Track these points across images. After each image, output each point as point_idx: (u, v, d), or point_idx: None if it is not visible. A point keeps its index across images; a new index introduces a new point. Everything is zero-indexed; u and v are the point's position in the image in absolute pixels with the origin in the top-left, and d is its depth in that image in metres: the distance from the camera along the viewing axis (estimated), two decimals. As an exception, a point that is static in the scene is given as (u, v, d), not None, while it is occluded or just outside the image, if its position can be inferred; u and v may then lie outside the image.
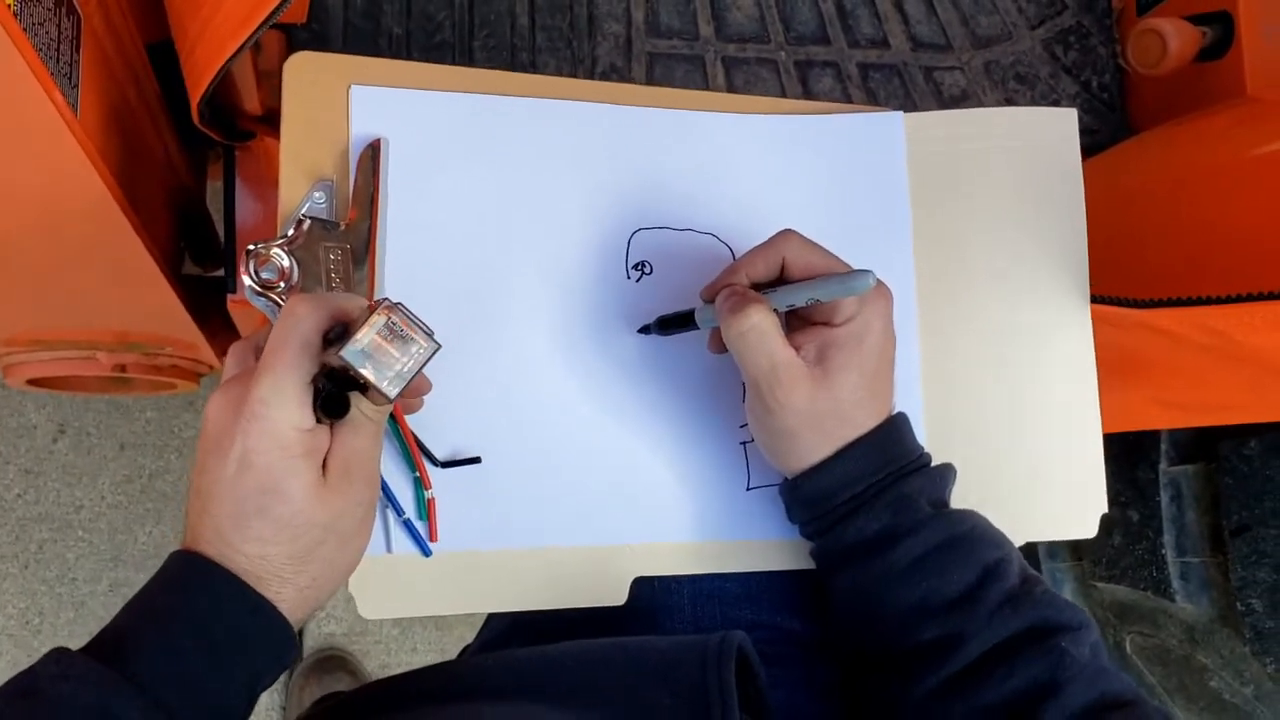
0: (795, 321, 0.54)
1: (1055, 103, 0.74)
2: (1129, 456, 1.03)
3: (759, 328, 0.50)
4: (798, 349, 0.51)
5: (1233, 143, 0.63)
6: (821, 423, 0.51)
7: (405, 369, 0.43)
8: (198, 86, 0.51)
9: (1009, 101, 0.73)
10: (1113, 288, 0.64)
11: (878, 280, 0.50)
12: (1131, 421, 0.81)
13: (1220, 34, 0.68)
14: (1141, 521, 1.02)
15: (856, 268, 0.51)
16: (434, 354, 0.44)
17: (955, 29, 0.74)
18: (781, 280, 0.52)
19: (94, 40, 0.54)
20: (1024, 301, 0.65)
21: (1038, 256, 0.65)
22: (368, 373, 0.43)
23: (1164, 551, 1.00)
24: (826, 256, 0.52)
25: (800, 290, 0.50)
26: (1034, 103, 0.74)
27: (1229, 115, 0.66)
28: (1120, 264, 0.66)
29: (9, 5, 0.41)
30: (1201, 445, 1.00)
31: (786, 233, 0.52)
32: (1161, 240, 0.66)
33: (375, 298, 0.54)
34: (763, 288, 0.52)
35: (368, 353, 0.43)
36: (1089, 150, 0.67)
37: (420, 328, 0.44)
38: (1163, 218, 0.66)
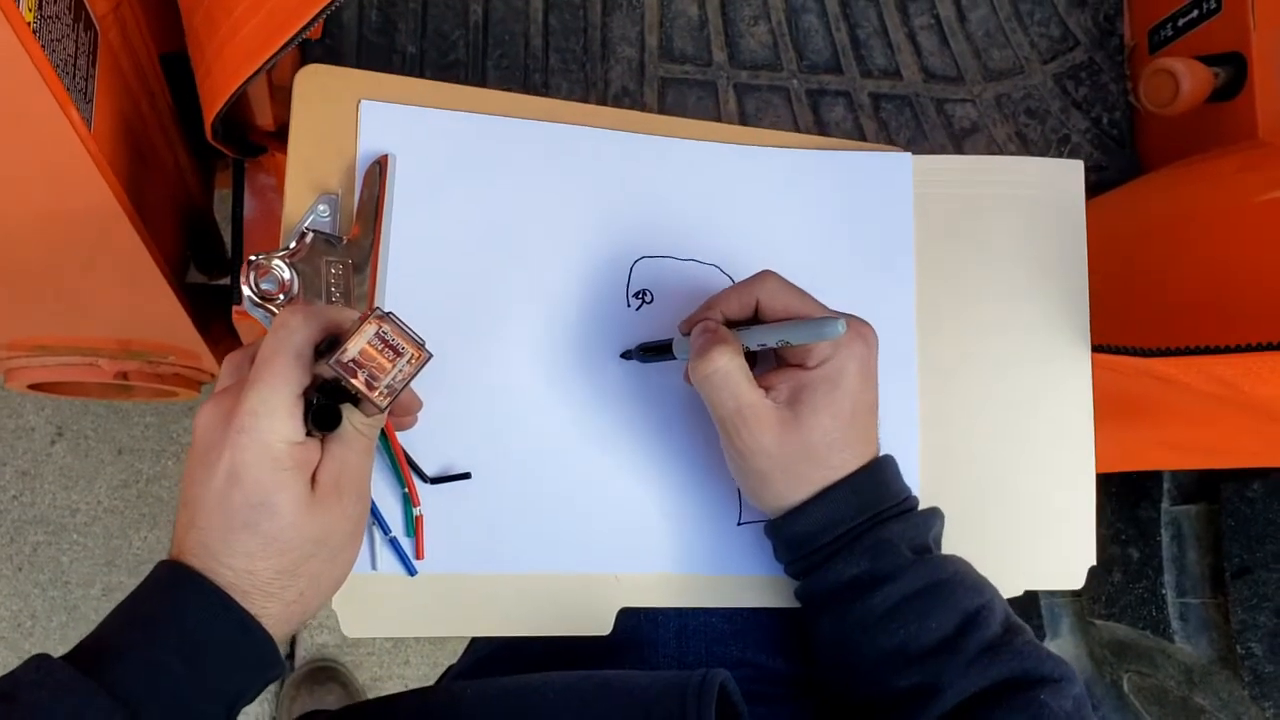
0: (772, 362, 0.54)
1: (1066, 137, 0.74)
2: (1131, 495, 1.02)
3: (722, 370, 0.49)
4: (770, 389, 0.51)
5: (1242, 186, 0.63)
6: (792, 465, 0.51)
7: (396, 379, 0.43)
8: (212, 106, 0.51)
9: (1019, 135, 0.73)
10: (1117, 327, 0.64)
11: (857, 326, 0.51)
12: (1134, 462, 0.80)
13: (1233, 75, 0.68)
14: (1142, 560, 1.02)
15: (842, 311, 0.51)
16: (426, 364, 0.43)
17: (967, 61, 0.74)
18: (756, 320, 0.52)
19: (109, 54, 0.54)
20: (1023, 351, 0.65)
21: (1039, 305, 0.65)
22: (358, 382, 0.42)
23: (1164, 591, 1.00)
24: (803, 299, 0.52)
25: (771, 331, 0.50)
26: (1044, 136, 0.74)
27: (1239, 158, 0.66)
28: (1126, 302, 0.66)
29: (28, 22, 0.41)
30: (1204, 486, 1.00)
31: (765, 273, 0.52)
32: (1167, 280, 0.66)
33: None
34: (738, 325, 0.52)
35: (358, 362, 0.42)
36: (1098, 187, 0.67)
37: (412, 338, 0.43)
38: (1169, 258, 0.66)
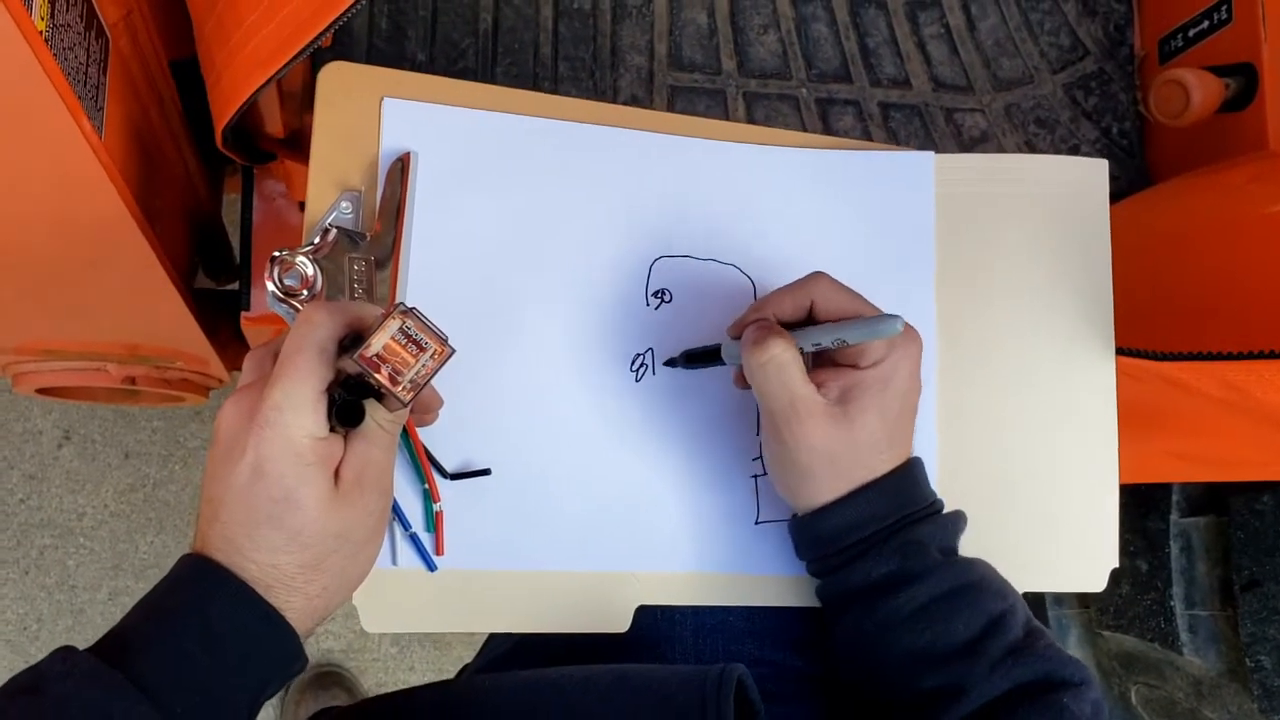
0: (824, 361, 0.54)
1: (1075, 147, 0.74)
2: (1140, 507, 1.02)
3: (778, 360, 0.49)
4: (821, 386, 0.51)
5: (1252, 197, 0.63)
6: (835, 462, 0.51)
7: (420, 374, 0.43)
8: (223, 115, 0.51)
9: (1029, 145, 0.73)
10: (1127, 335, 0.64)
11: (906, 325, 0.50)
12: (1146, 473, 0.80)
13: (1243, 86, 0.67)
14: (1150, 572, 1.01)
15: (885, 311, 0.51)
16: (449, 359, 0.43)
17: (977, 71, 0.74)
18: (809, 321, 0.52)
19: (120, 61, 0.55)
20: (1047, 350, 0.64)
21: (1062, 306, 0.64)
22: (382, 377, 0.42)
23: (1172, 603, 1.00)
24: (855, 300, 0.52)
25: (827, 331, 0.50)
26: (1054, 146, 0.73)
27: (1248, 169, 0.65)
28: (1134, 313, 0.65)
29: (40, 31, 0.41)
30: (1213, 498, 0.99)
31: (817, 275, 0.52)
32: (1177, 290, 0.65)
33: None
34: (791, 327, 0.52)
35: (382, 357, 0.42)
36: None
37: (435, 333, 0.43)
38: (1179, 268, 0.66)
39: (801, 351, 0.51)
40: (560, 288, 0.59)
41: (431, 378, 0.43)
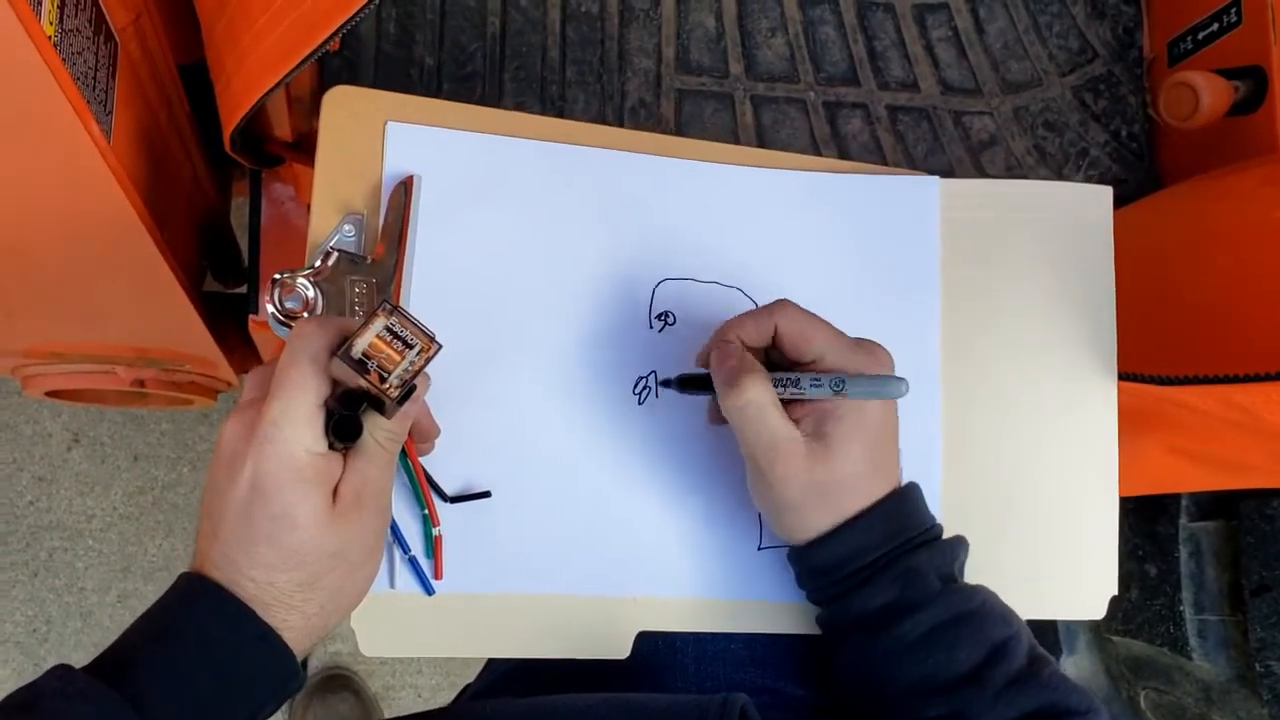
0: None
1: (1084, 150, 0.73)
2: (1149, 511, 1.02)
3: (756, 402, 0.49)
4: (796, 421, 0.50)
5: (1262, 201, 0.62)
6: (823, 496, 0.50)
7: (407, 370, 0.42)
8: (232, 118, 0.51)
9: (1037, 148, 0.73)
10: (1135, 343, 0.63)
11: (877, 354, 0.50)
12: (1153, 484, 0.79)
13: (1253, 89, 0.67)
14: (1160, 576, 1.01)
15: (850, 336, 0.50)
16: (435, 355, 0.43)
17: (985, 74, 0.74)
18: (774, 348, 0.52)
19: (129, 65, 0.55)
20: (1050, 376, 0.64)
21: (1065, 331, 0.64)
22: (371, 374, 0.42)
23: (1182, 608, 0.99)
24: (820, 326, 0.51)
25: (825, 381, 0.49)
26: (1063, 149, 0.73)
27: (1259, 172, 0.65)
28: (1144, 317, 0.65)
29: (49, 36, 0.41)
30: (1222, 503, 0.99)
31: (783, 301, 0.51)
32: (1186, 295, 0.65)
33: None
34: (777, 367, 0.51)
35: (368, 354, 0.42)
36: (1116, 201, 0.67)
37: (421, 330, 0.43)
38: (1188, 272, 0.65)
39: (786, 385, 0.50)
40: (563, 311, 0.58)
41: (418, 373, 0.43)
